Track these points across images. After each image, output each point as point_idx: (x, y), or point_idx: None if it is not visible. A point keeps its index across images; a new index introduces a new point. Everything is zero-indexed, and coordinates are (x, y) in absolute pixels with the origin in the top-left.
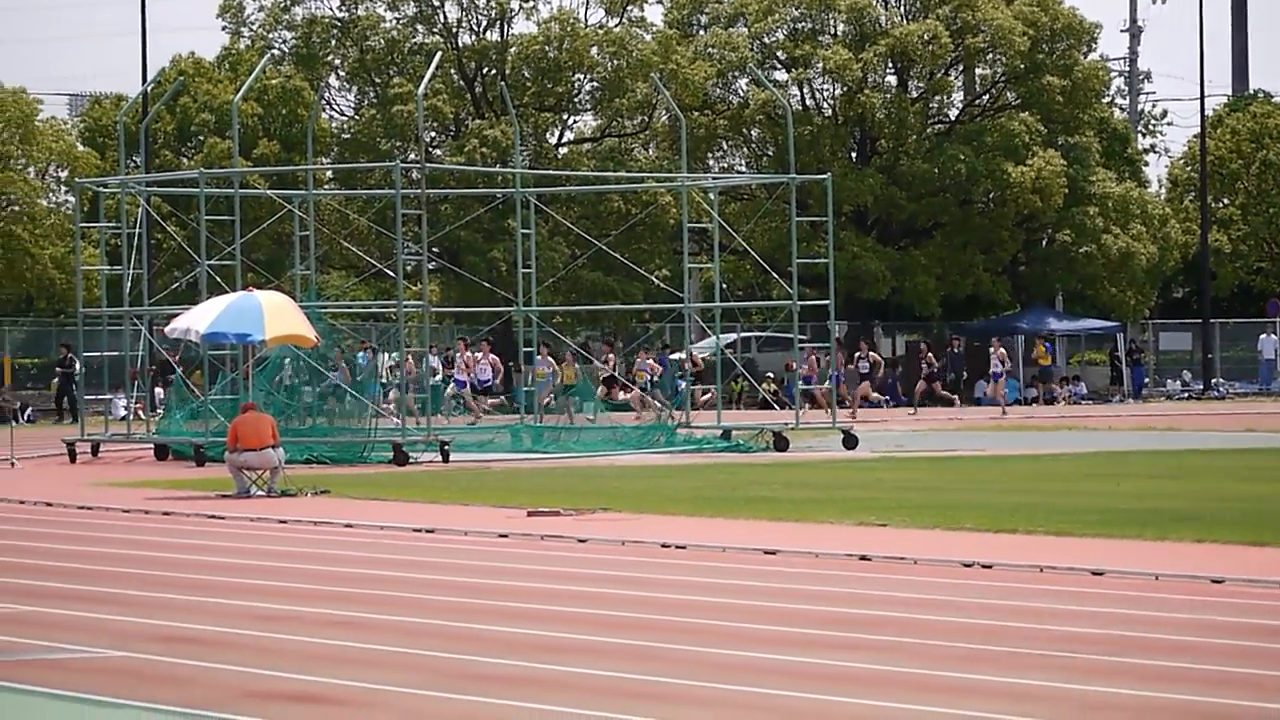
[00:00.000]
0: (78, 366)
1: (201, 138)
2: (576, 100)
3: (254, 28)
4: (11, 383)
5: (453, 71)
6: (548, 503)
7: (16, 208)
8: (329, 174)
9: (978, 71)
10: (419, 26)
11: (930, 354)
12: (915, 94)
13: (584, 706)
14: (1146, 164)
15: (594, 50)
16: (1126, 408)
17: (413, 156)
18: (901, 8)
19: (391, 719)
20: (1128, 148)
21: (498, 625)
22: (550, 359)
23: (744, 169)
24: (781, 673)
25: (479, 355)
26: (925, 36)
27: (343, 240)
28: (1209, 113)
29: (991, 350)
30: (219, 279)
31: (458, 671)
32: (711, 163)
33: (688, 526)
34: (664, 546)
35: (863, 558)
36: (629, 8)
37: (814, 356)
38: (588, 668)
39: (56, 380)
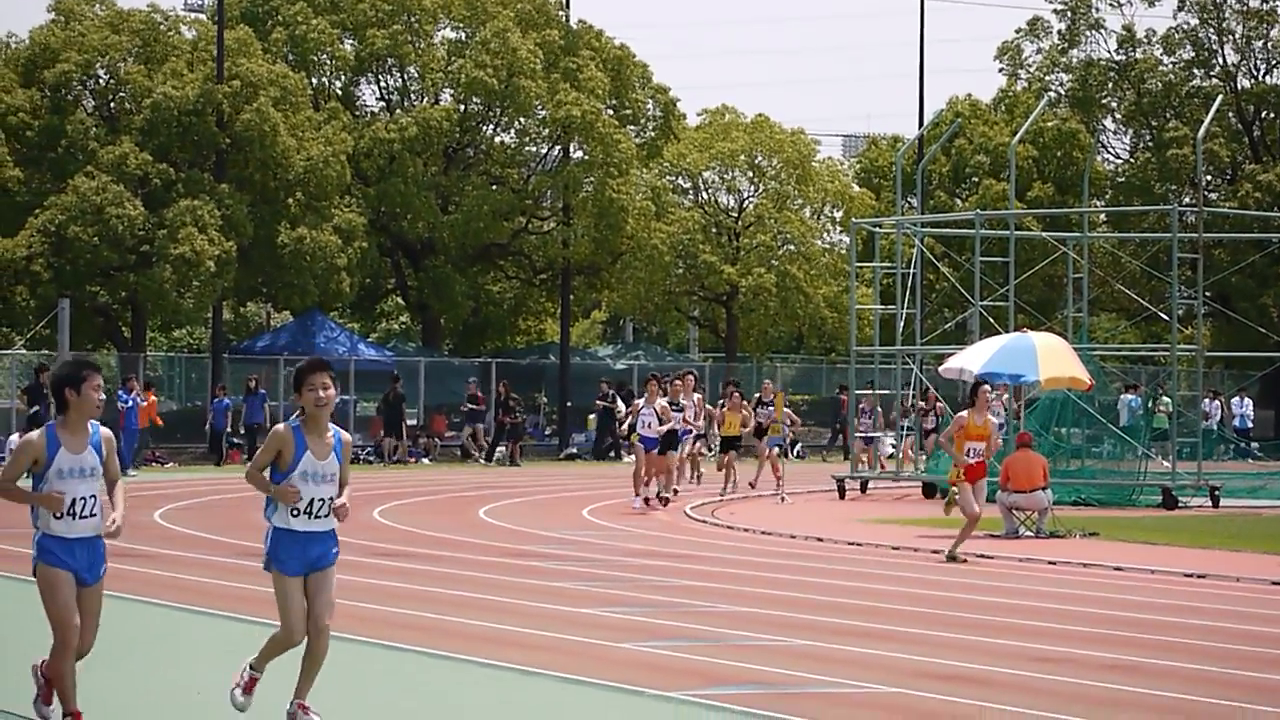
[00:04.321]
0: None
1: (976, 179)
2: None
3: (1031, 70)
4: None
5: (1230, 115)
6: None
7: (793, 247)
8: (1102, 216)
9: None
10: (1196, 70)
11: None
12: None
13: None
14: None
15: None
16: None
17: (1188, 200)
18: None
19: None
20: None
21: (1271, 674)
22: None
23: None
24: None
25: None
26: None
27: (1115, 283)
28: None
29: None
30: (991, 319)
31: None
32: None
33: None
34: None
35: None
36: None
37: None
38: None
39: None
